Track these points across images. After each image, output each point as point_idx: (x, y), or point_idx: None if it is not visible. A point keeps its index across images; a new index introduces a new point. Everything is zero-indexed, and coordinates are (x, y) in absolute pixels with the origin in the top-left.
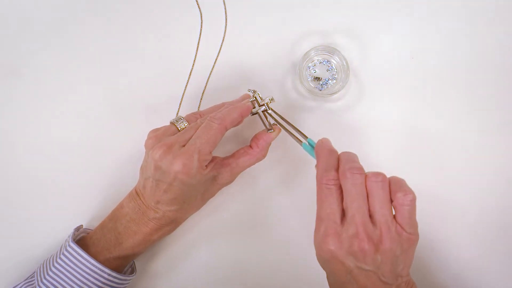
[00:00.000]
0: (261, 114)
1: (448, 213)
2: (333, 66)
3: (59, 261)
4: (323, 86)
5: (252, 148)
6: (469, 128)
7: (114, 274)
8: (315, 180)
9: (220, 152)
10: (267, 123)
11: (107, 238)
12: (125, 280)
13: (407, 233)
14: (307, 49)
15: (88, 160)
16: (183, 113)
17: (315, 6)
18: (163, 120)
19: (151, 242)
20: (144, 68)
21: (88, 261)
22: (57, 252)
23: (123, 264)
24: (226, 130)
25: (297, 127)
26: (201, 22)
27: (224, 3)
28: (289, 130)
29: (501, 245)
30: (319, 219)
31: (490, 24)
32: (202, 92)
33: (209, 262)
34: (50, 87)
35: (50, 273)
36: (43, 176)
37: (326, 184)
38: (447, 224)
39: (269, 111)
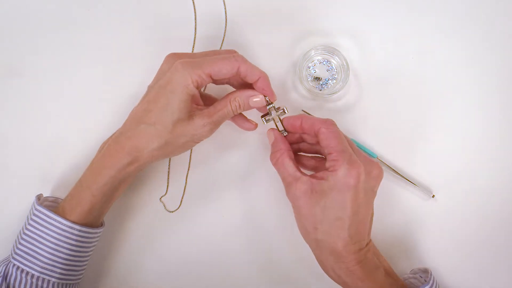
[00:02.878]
0: (277, 119)
1: (448, 212)
2: (333, 66)
3: (29, 227)
4: (323, 86)
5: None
6: (469, 128)
7: (84, 229)
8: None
9: (216, 146)
10: (281, 127)
11: (73, 192)
12: (95, 233)
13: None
14: (307, 49)
15: (88, 160)
16: None
17: (315, 6)
18: None
19: (113, 183)
20: (144, 68)
21: (57, 220)
22: (25, 221)
23: (92, 220)
24: (234, 71)
25: None
26: (195, 22)
27: (224, 3)
28: None
29: (501, 245)
30: (339, 151)
31: (490, 23)
32: (202, 90)
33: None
34: (50, 87)
35: (22, 241)
36: (43, 176)
37: (333, 125)
38: (447, 224)
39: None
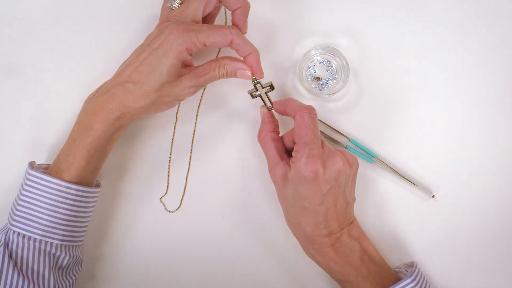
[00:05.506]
0: (264, 95)
1: (448, 212)
2: (333, 66)
3: (24, 192)
4: (323, 86)
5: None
6: (470, 128)
7: (81, 188)
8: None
9: (216, 145)
10: (268, 103)
11: (66, 149)
12: (93, 192)
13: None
14: (307, 49)
15: None
16: (184, 112)
17: (315, 6)
18: (165, 120)
19: (105, 137)
20: None
21: (52, 182)
22: (19, 188)
23: (87, 177)
24: (227, 43)
25: (338, 130)
26: None
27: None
28: (329, 135)
29: (502, 245)
30: (303, 143)
31: (490, 23)
32: (202, 91)
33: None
34: (50, 87)
35: (19, 207)
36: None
37: (309, 113)
38: (447, 224)
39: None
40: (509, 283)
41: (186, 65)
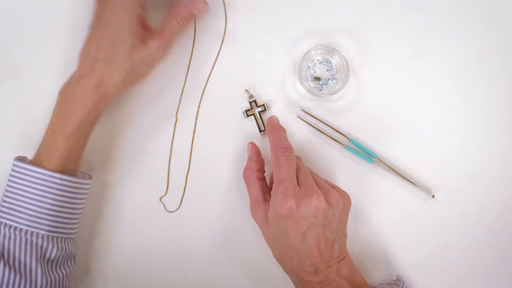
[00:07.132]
0: (257, 114)
1: (448, 212)
2: (333, 66)
3: (9, 183)
4: (323, 86)
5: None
6: (469, 128)
7: (65, 177)
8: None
9: (216, 145)
10: (261, 125)
11: (46, 141)
12: (79, 183)
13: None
14: (307, 49)
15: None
16: (184, 112)
17: (316, 6)
18: (165, 120)
19: (85, 125)
20: None
21: (34, 171)
22: (7, 181)
23: (71, 167)
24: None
25: (338, 130)
26: (195, 22)
27: (224, 2)
28: (328, 135)
29: (503, 244)
30: (278, 181)
31: (490, 23)
32: (202, 91)
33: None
34: (50, 87)
35: (5, 198)
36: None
37: (283, 152)
38: (447, 224)
39: (303, 115)
40: (510, 283)
41: (145, 29)
